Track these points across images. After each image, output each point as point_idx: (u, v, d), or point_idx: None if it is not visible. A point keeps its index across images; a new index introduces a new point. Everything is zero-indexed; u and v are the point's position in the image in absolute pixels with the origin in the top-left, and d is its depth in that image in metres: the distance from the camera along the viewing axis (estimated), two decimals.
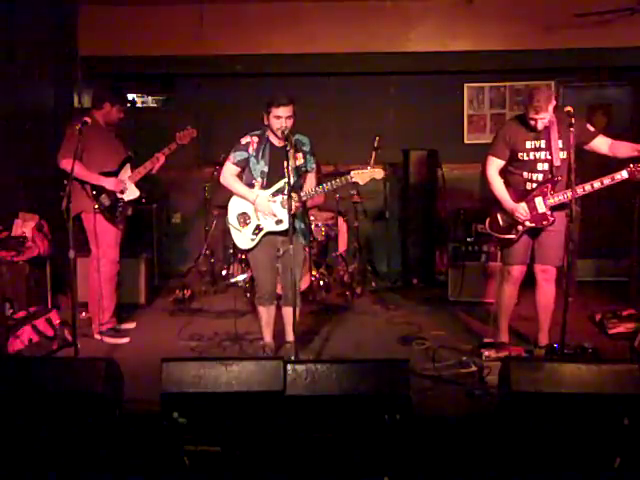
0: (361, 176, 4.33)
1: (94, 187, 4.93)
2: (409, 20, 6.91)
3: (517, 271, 4.56)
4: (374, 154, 5.96)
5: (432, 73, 7.15)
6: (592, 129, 4.35)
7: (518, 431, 3.09)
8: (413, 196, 6.89)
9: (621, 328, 5.00)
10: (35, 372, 3.23)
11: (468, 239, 6.22)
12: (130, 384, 3.41)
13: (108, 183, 4.95)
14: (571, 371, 3.10)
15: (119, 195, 5.02)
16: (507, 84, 7.25)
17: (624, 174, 4.19)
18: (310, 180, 4.50)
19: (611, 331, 5.02)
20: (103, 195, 4.95)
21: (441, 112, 7.24)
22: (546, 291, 4.54)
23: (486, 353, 4.28)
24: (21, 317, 4.85)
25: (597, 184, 4.24)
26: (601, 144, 4.34)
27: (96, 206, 4.92)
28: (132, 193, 5.10)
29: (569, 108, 4.15)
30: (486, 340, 4.77)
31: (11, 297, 5.12)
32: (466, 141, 7.33)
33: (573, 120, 4.06)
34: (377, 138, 5.82)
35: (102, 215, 4.96)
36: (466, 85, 7.29)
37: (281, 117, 4.20)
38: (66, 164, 4.67)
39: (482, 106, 7.31)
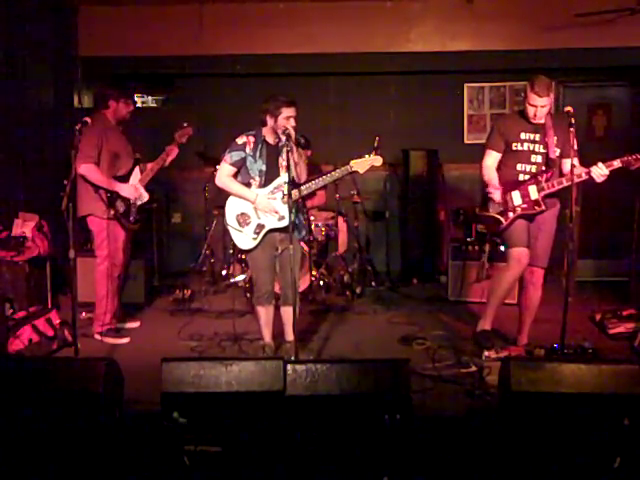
0: (361, 165, 4.34)
1: (109, 192, 4.88)
2: (409, 20, 6.91)
3: (518, 253, 4.46)
4: (374, 154, 5.95)
5: (432, 73, 7.16)
6: (575, 147, 4.31)
7: (518, 431, 3.09)
8: (413, 196, 6.89)
9: (621, 328, 5.00)
10: (35, 372, 3.23)
11: (468, 239, 6.22)
12: (130, 384, 3.41)
13: (126, 191, 4.93)
14: (571, 371, 3.10)
15: (132, 200, 5.01)
16: (507, 84, 7.25)
17: (617, 162, 4.25)
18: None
19: (611, 331, 5.01)
20: (118, 201, 4.91)
21: (441, 112, 7.24)
22: (532, 294, 4.62)
23: (486, 353, 4.29)
24: (21, 317, 4.85)
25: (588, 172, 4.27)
26: (567, 164, 4.33)
27: (112, 212, 4.88)
28: (144, 197, 5.11)
29: (569, 108, 4.20)
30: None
31: (11, 297, 5.12)
32: (466, 141, 7.34)
33: (573, 120, 4.09)
34: (377, 138, 5.81)
35: (117, 221, 4.92)
36: (466, 85, 7.30)
37: (291, 117, 4.24)
38: (85, 170, 4.67)
39: (482, 106, 7.31)
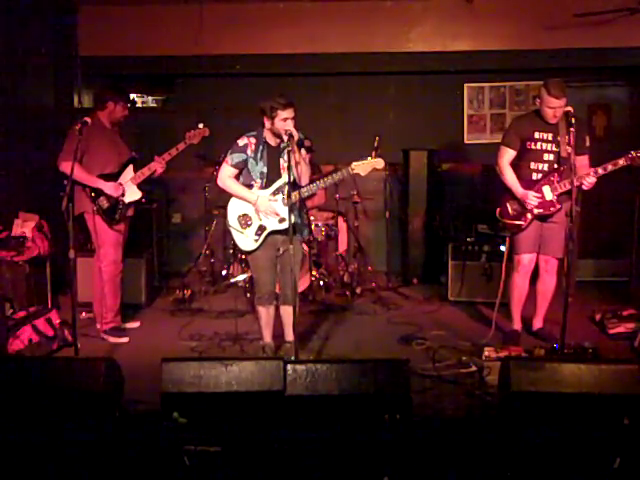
0: (362, 167, 4.33)
1: (93, 189, 4.91)
2: (409, 20, 6.90)
3: (526, 260, 4.74)
4: (374, 154, 5.95)
5: (432, 73, 7.16)
6: (588, 144, 4.53)
7: (518, 431, 3.09)
8: (413, 196, 6.89)
9: (621, 328, 5.00)
10: (35, 372, 3.23)
11: (468, 239, 6.21)
12: (130, 384, 3.41)
13: (106, 187, 4.91)
14: (571, 371, 3.10)
15: (119, 197, 5.01)
16: (507, 84, 7.25)
17: (626, 160, 4.35)
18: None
19: (611, 331, 5.01)
20: (101, 197, 4.92)
21: (441, 112, 7.24)
22: (547, 281, 4.82)
23: (486, 353, 4.29)
24: (21, 317, 4.84)
25: (601, 170, 4.39)
26: (582, 161, 4.51)
27: (95, 208, 4.91)
28: (134, 195, 5.07)
29: (569, 108, 4.28)
30: (485, 342, 4.77)
31: (11, 297, 5.12)
32: (466, 141, 7.33)
33: (573, 120, 4.14)
34: (377, 138, 5.82)
35: (100, 217, 4.95)
36: (466, 85, 7.29)
37: (288, 118, 4.22)
38: (65, 167, 4.65)
39: (482, 106, 7.31)
